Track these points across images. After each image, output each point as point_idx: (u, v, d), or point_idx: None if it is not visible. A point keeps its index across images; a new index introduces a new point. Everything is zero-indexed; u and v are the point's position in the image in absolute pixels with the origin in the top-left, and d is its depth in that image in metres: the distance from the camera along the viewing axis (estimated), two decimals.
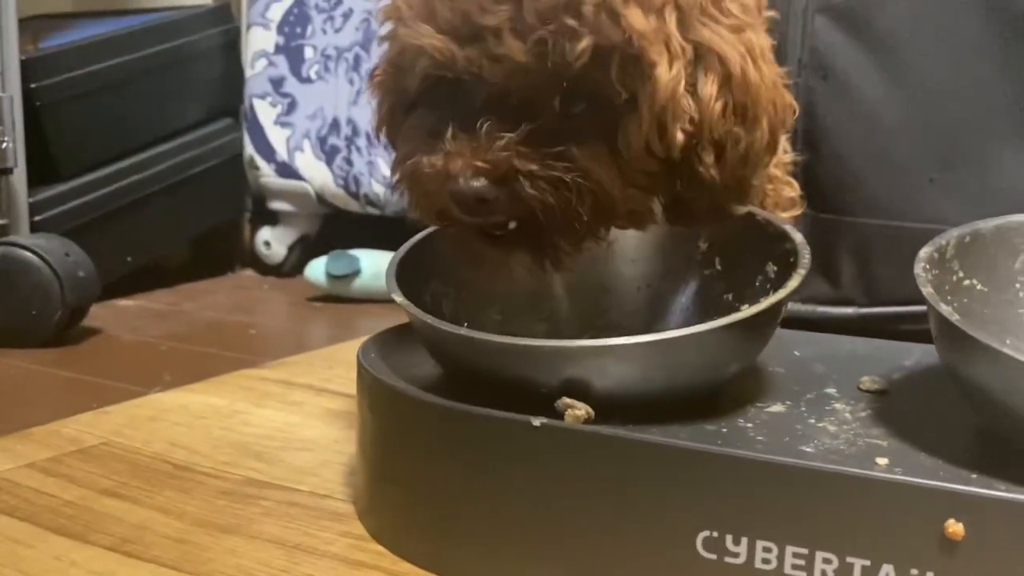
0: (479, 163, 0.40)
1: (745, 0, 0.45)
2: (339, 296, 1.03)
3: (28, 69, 0.90)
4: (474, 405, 0.41)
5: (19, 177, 0.88)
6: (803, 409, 0.45)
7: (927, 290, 0.41)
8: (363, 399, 0.46)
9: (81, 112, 0.98)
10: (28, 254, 0.82)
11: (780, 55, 0.89)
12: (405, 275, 0.47)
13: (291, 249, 1.16)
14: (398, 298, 0.45)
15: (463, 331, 0.42)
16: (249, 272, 1.18)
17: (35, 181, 0.90)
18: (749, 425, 0.42)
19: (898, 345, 0.56)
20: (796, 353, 0.55)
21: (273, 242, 1.16)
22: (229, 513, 0.47)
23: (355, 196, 1.11)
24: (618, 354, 0.40)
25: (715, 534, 0.36)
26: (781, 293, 0.43)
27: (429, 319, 0.43)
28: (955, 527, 0.32)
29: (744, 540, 0.35)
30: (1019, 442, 0.38)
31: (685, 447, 0.36)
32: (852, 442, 0.41)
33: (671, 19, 0.41)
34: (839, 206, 0.90)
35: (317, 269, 1.03)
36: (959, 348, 0.39)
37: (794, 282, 0.44)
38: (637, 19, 0.40)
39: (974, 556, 0.32)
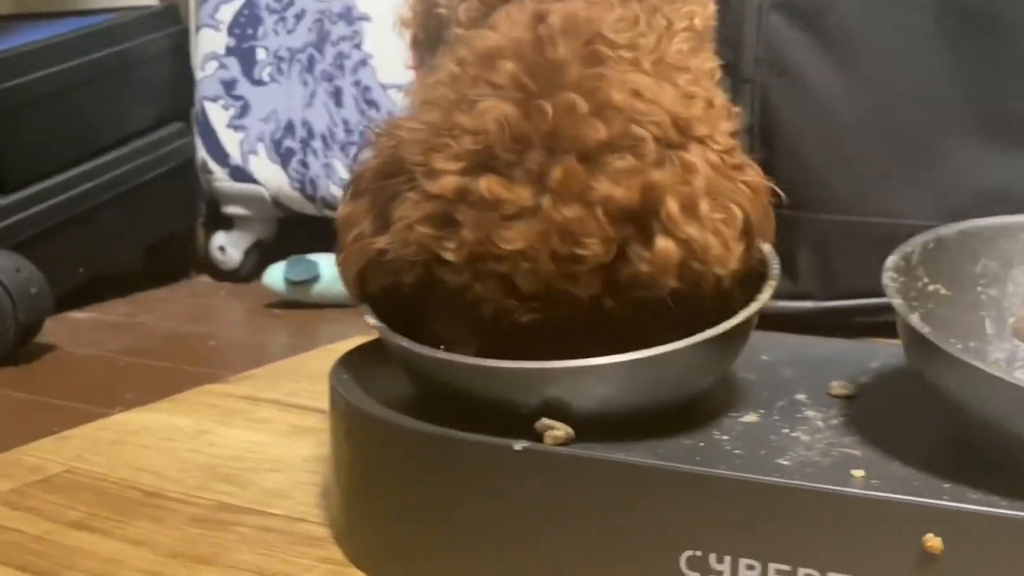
0: None
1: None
2: (298, 302, 1.02)
3: None
4: (452, 426, 0.40)
5: None
6: (776, 418, 0.46)
7: (896, 301, 0.42)
8: (337, 425, 0.46)
9: (25, 121, 0.95)
10: None
11: (736, 52, 0.90)
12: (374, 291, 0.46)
13: (247, 254, 1.15)
14: (371, 320, 0.45)
15: (439, 353, 0.42)
16: (205, 278, 1.16)
17: None
18: (725, 438, 0.43)
19: (864, 346, 0.57)
20: (764, 357, 0.55)
21: (228, 247, 1.14)
22: (204, 542, 0.47)
23: (312, 199, 1.10)
24: (597, 374, 0.40)
25: (698, 553, 0.36)
26: (753, 306, 0.44)
27: (405, 342, 0.43)
28: (933, 541, 0.33)
29: (727, 559, 0.36)
30: (991, 451, 0.39)
31: (665, 468, 0.36)
32: (827, 452, 0.41)
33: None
34: (796, 202, 0.90)
35: (275, 275, 1.01)
36: (930, 359, 0.40)
37: (765, 294, 0.44)
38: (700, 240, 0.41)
39: (952, 570, 0.33)
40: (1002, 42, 0.83)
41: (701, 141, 0.43)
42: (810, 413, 0.47)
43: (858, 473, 0.38)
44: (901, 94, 0.86)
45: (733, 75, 0.91)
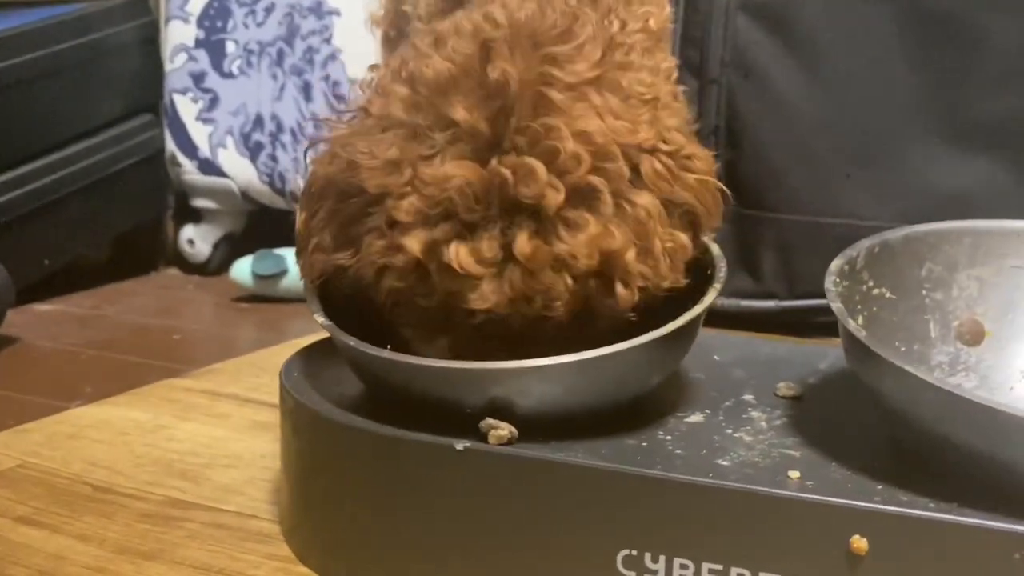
0: None
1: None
2: (266, 296, 1.02)
3: None
4: (400, 425, 0.41)
5: None
6: (721, 418, 0.46)
7: (836, 305, 0.43)
8: (286, 421, 0.46)
9: None
10: None
11: (702, 53, 0.91)
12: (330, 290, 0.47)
13: (216, 247, 1.14)
14: (320, 319, 0.45)
15: (386, 353, 0.42)
16: (173, 271, 1.16)
17: None
18: (668, 438, 0.43)
19: (814, 348, 0.58)
20: (716, 358, 0.56)
21: (197, 240, 1.14)
22: (151, 538, 0.47)
23: (281, 193, 1.09)
24: (540, 374, 0.41)
25: (634, 553, 0.37)
26: (698, 308, 0.44)
27: (352, 341, 0.43)
28: (859, 542, 0.34)
29: (662, 558, 0.36)
30: (924, 452, 0.39)
31: (604, 468, 0.37)
32: (767, 453, 0.42)
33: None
34: (760, 202, 0.92)
35: (243, 269, 1.01)
36: (866, 363, 0.40)
37: (710, 296, 0.45)
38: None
39: (878, 570, 0.34)
40: (965, 47, 0.84)
41: (650, 152, 0.44)
42: (755, 414, 0.47)
43: (794, 475, 0.39)
44: (864, 97, 0.87)
45: (700, 76, 0.92)
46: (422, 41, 0.45)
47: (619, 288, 0.41)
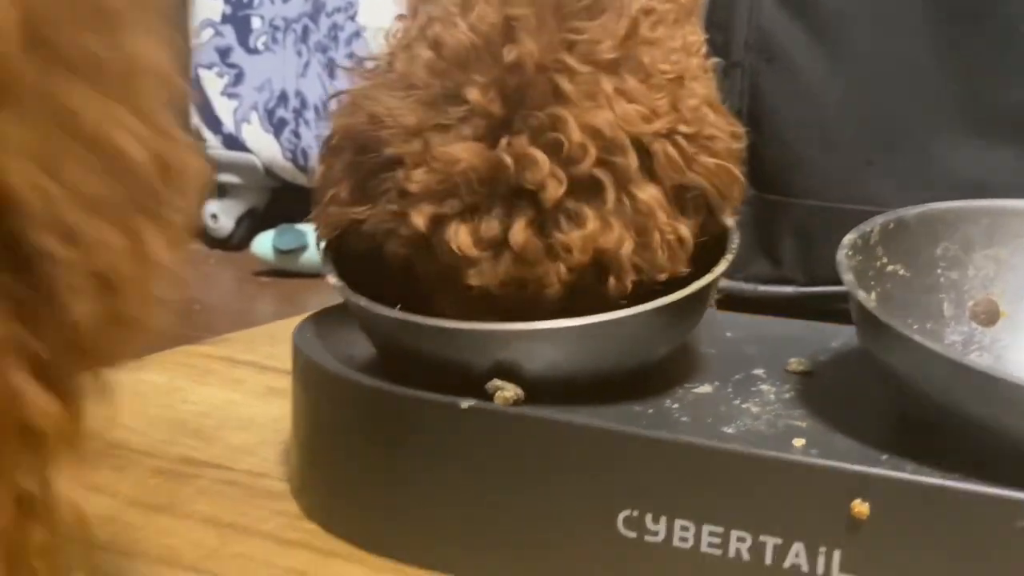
0: None
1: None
2: (286, 271, 1.03)
3: None
4: (408, 386, 0.41)
5: None
6: (730, 390, 0.46)
7: (847, 277, 0.43)
8: (296, 378, 0.46)
9: None
10: None
11: (726, 36, 0.90)
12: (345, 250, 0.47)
13: (239, 222, 1.15)
14: (332, 279, 0.46)
15: (395, 313, 0.43)
16: (197, 245, 1.17)
17: None
18: (676, 406, 0.43)
19: (827, 327, 0.58)
20: (728, 334, 0.56)
21: (220, 215, 1.15)
22: (162, 492, 0.48)
23: (303, 169, 1.10)
24: (546, 337, 0.41)
25: (635, 513, 0.37)
26: (707, 277, 0.44)
27: (363, 300, 0.44)
28: (860, 507, 0.34)
29: (663, 519, 0.36)
30: (931, 423, 0.39)
31: (605, 428, 0.37)
32: (773, 423, 0.42)
33: None
34: (782, 187, 0.91)
35: (264, 243, 1.02)
36: (876, 334, 0.40)
37: (720, 267, 0.45)
38: None
39: (878, 535, 0.34)
40: (992, 33, 0.83)
41: (666, 136, 0.44)
42: (764, 387, 0.47)
43: (799, 442, 0.39)
44: (888, 83, 0.86)
45: (723, 58, 0.91)
46: None
47: (611, 280, 0.42)
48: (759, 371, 0.49)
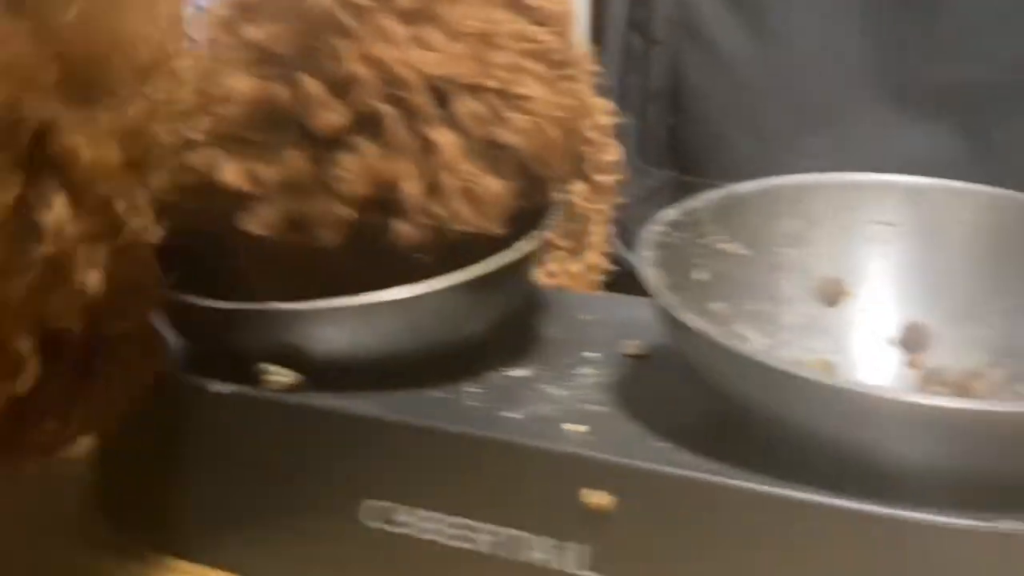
0: None
1: None
2: None
3: None
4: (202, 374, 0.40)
5: None
6: (548, 374, 0.44)
7: (645, 253, 0.40)
8: None
9: None
10: None
11: (648, 11, 0.88)
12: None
13: None
14: None
15: (175, 295, 0.41)
16: None
17: None
18: (477, 391, 0.42)
19: None
20: (580, 317, 0.54)
21: None
22: None
23: None
24: (326, 317, 0.39)
25: (380, 503, 0.35)
26: (507, 256, 0.42)
27: None
28: (598, 497, 0.32)
29: (407, 510, 0.35)
30: (728, 416, 0.37)
31: (347, 413, 0.35)
32: (569, 408, 0.40)
33: None
34: (703, 169, 0.89)
35: None
36: (661, 316, 0.38)
37: (524, 245, 0.43)
38: None
39: (621, 527, 0.32)
40: (917, 10, 0.80)
41: (470, 90, 0.42)
42: (588, 371, 0.45)
43: (579, 428, 0.37)
44: (812, 60, 0.83)
45: (645, 36, 0.89)
46: None
47: (398, 221, 0.39)
48: (593, 354, 0.47)
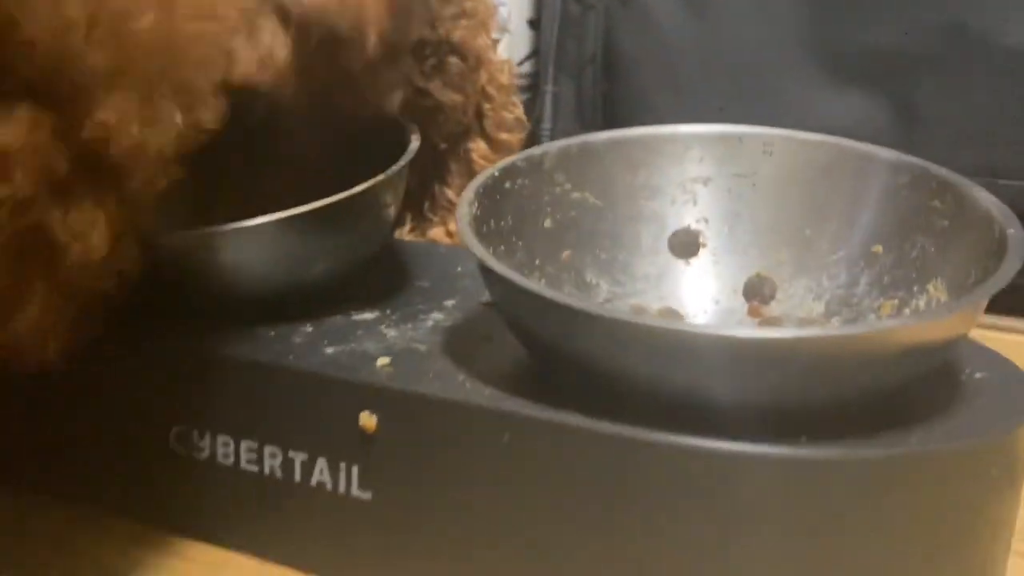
0: None
1: None
2: None
3: None
4: None
5: None
6: (393, 317, 0.45)
7: (467, 194, 0.40)
8: None
9: None
10: None
11: None
12: None
13: None
14: None
15: None
16: None
17: None
18: (310, 330, 0.42)
19: None
20: (456, 270, 0.54)
21: None
22: None
23: None
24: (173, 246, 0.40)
25: (184, 429, 0.36)
26: (356, 188, 0.42)
27: None
28: (367, 419, 0.32)
29: (207, 435, 0.35)
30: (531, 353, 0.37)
31: (162, 348, 0.36)
32: (391, 345, 0.40)
33: None
34: None
35: None
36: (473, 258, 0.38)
37: (376, 179, 0.43)
38: None
39: (386, 448, 0.32)
40: None
41: None
42: (435, 315, 0.45)
43: (383, 361, 0.37)
44: (742, 28, 0.83)
45: (582, 3, 0.89)
46: None
47: None
48: (449, 302, 0.48)
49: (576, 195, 0.47)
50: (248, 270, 0.42)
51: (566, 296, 0.33)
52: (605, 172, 0.47)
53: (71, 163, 0.26)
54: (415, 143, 0.47)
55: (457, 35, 0.60)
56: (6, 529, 0.38)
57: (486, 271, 0.36)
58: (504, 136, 0.65)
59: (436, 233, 0.68)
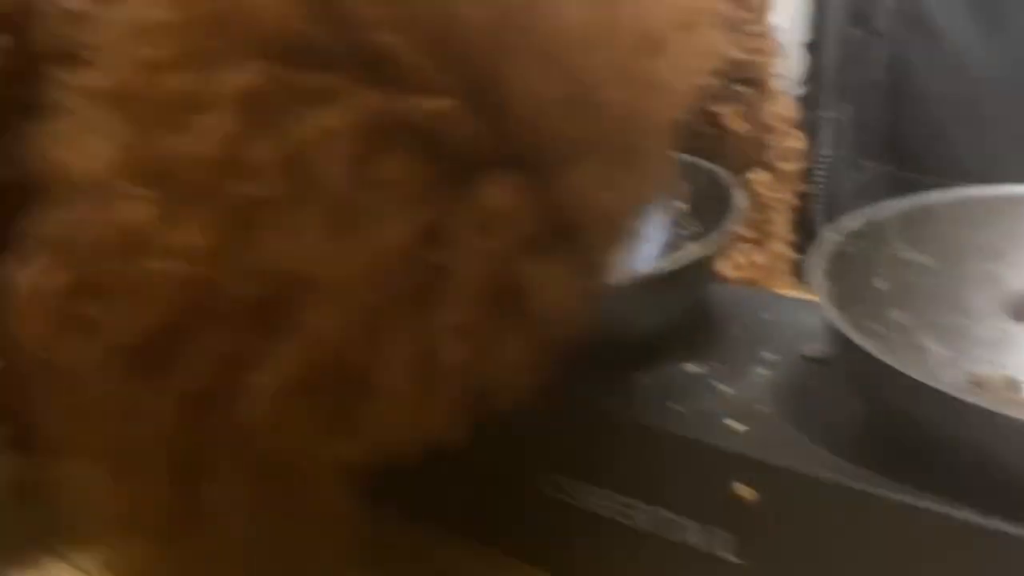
0: None
1: None
2: None
3: None
4: None
5: None
6: (723, 370, 0.46)
7: (819, 262, 0.41)
8: None
9: None
10: None
11: (870, 2, 0.85)
12: None
13: None
14: None
15: None
16: None
17: None
18: (650, 383, 0.44)
19: None
20: (762, 316, 0.55)
21: None
22: None
23: None
24: None
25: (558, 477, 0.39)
26: (689, 255, 0.44)
27: None
28: (743, 491, 0.34)
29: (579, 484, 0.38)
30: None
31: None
32: (735, 406, 0.42)
33: None
34: (923, 165, 0.85)
35: None
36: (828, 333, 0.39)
37: (707, 244, 0.45)
38: None
39: (763, 519, 0.34)
40: None
41: None
42: (761, 370, 0.46)
43: (738, 426, 0.39)
44: None
45: (865, 26, 0.86)
46: None
47: None
48: (770, 355, 0.48)
49: (910, 256, 0.46)
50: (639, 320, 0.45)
51: (945, 386, 0.33)
52: (942, 233, 0.47)
53: (543, 223, 0.28)
54: (741, 201, 0.48)
55: (749, 62, 0.60)
56: (405, 555, 0.42)
57: (850, 347, 0.37)
58: (785, 166, 0.65)
59: (721, 267, 0.69)
